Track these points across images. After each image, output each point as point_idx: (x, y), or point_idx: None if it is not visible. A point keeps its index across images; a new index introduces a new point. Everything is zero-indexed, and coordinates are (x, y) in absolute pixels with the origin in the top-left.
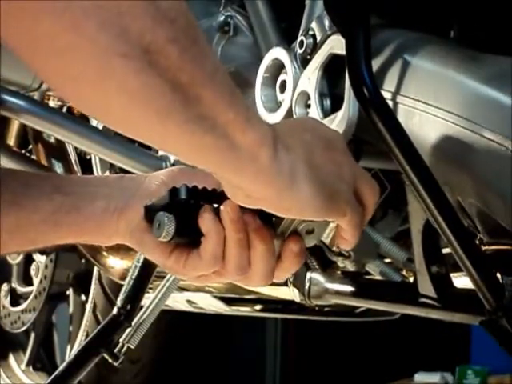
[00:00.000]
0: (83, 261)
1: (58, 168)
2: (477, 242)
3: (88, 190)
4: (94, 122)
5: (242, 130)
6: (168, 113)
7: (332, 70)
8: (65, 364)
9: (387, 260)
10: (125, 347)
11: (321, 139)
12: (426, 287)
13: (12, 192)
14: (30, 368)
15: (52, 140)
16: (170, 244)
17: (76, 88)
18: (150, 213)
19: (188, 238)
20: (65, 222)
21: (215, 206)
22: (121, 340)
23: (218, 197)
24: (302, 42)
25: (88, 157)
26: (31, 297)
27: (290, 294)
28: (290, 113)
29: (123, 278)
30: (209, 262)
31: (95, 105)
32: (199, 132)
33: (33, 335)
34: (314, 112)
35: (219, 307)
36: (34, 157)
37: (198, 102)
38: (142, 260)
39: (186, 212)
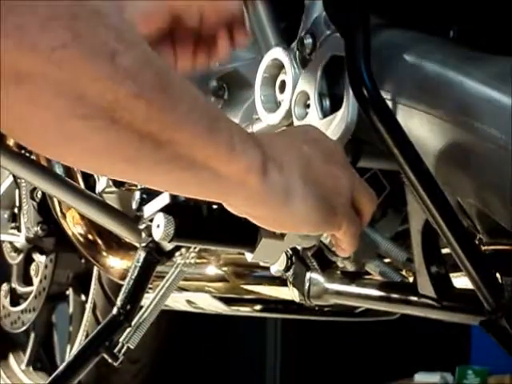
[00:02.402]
0: (83, 261)
1: (58, 168)
2: (476, 242)
3: None
4: None
5: (226, 161)
6: (137, 159)
7: (331, 70)
8: (65, 364)
9: (387, 260)
10: (125, 347)
11: (319, 152)
12: (426, 287)
13: None
14: (30, 368)
15: None
16: None
17: (42, 149)
18: (150, 213)
19: (190, 240)
20: None
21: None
22: (121, 340)
23: None
24: (301, 42)
25: None
26: (31, 297)
27: (290, 294)
28: (289, 113)
29: (123, 278)
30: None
31: (64, 160)
32: (177, 170)
33: (33, 335)
34: (314, 112)
35: (219, 307)
36: (33, 157)
37: (172, 145)
38: (141, 260)
39: (185, 213)
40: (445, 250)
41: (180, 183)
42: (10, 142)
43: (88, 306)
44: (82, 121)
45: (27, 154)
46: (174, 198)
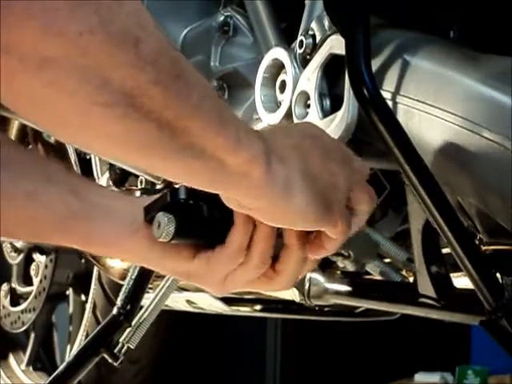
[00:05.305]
0: (83, 261)
1: None
2: (476, 242)
3: (103, 202)
4: None
5: (233, 151)
6: (154, 147)
7: (332, 70)
8: (65, 364)
9: (387, 260)
10: (125, 347)
11: (318, 148)
12: (426, 287)
13: (34, 184)
14: (30, 368)
15: (52, 140)
16: (193, 248)
17: (59, 134)
18: (150, 213)
19: (191, 239)
20: (75, 229)
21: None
22: (121, 340)
23: (217, 197)
24: (301, 42)
25: (88, 157)
26: (31, 297)
27: (290, 294)
28: (289, 113)
29: (123, 278)
30: (234, 252)
31: (80, 145)
32: (187, 159)
33: (33, 335)
34: (314, 112)
35: (219, 307)
36: None
37: (186, 133)
38: None
39: (185, 212)
40: (445, 250)
41: (189, 172)
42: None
43: (88, 306)
44: (103, 108)
45: None
46: (174, 196)
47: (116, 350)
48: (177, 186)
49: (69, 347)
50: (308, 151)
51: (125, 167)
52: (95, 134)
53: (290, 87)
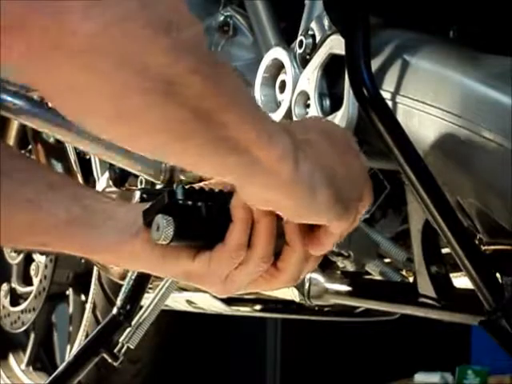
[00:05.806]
0: (83, 261)
1: (58, 168)
2: (476, 242)
3: (105, 208)
4: None
5: (265, 147)
6: (189, 137)
7: (331, 69)
8: (64, 364)
9: (387, 260)
10: (124, 347)
11: (335, 144)
12: (426, 287)
13: (36, 191)
14: (30, 368)
15: (51, 140)
16: (193, 249)
17: (94, 123)
18: (149, 216)
19: (190, 240)
20: (77, 236)
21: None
22: (120, 340)
23: (215, 197)
24: (301, 41)
25: (88, 157)
26: (31, 297)
27: (290, 294)
28: (289, 113)
29: (123, 278)
30: (234, 249)
31: (114, 137)
32: (221, 152)
33: (33, 335)
34: (314, 112)
35: (219, 307)
36: (33, 157)
37: (221, 126)
38: None
39: (183, 213)
40: (445, 250)
41: (221, 166)
42: (10, 142)
43: (88, 306)
44: (141, 95)
45: (27, 154)
46: (171, 197)
47: (116, 350)
48: (174, 187)
49: (69, 347)
50: (326, 147)
51: (124, 167)
52: (131, 123)
53: (290, 87)
